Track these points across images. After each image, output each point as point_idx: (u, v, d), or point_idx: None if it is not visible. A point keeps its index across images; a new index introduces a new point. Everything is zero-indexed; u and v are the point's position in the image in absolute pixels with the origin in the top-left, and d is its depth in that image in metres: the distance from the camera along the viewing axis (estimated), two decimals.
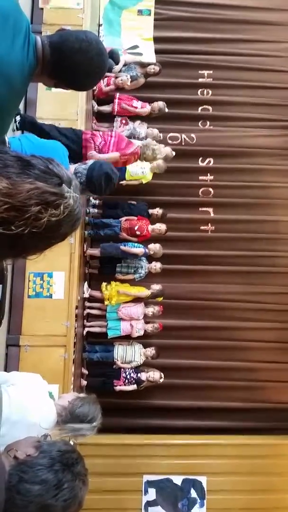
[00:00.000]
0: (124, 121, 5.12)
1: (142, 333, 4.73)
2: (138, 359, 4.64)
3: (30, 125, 3.91)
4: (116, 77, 5.07)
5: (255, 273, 5.31)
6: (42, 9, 4.54)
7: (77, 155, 3.87)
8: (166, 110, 5.13)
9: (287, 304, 5.24)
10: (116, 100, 5.03)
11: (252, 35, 5.90)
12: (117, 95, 5.08)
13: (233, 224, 5.43)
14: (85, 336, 4.79)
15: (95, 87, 4.96)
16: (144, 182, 4.94)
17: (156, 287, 4.81)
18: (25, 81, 1.40)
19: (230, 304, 5.19)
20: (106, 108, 5.19)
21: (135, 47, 5.59)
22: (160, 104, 5.06)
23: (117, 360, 4.61)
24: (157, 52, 5.60)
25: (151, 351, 4.69)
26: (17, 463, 1.06)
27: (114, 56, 4.99)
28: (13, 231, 0.93)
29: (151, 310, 4.77)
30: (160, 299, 4.93)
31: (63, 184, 1.01)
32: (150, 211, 5.01)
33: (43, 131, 3.89)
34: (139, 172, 4.86)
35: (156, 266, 4.85)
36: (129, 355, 4.65)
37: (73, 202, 1.03)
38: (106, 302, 4.76)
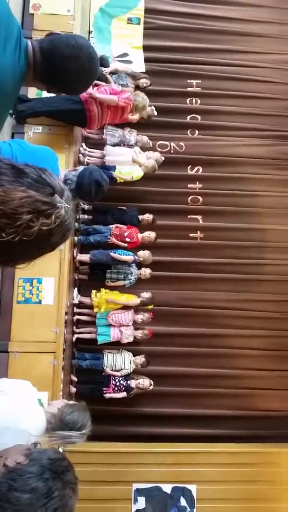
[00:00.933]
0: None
1: (131, 339, 4.71)
2: (128, 367, 4.62)
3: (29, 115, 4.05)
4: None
5: (243, 281, 5.34)
6: (32, 14, 4.56)
7: (82, 118, 4.31)
8: (155, 113, 5.17)
9: (275, 312, 5.27)
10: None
11: (240, 46, 5.99)
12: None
13: (221, 232, 5.47)
14: (75, 343, 4.76)
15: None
16: (134, 178, 4.92)
17: (145, 295, 4.81)
18: (16, 86, 1.40)
19: (218, 312, 5.20)
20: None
21: (125, 54, 5.63)
22: (149, 109, 5.10)
23: (107, 368, 4.59)
24: (146, 60, 5.65)
25: (140, 359, 4.67)
26: (6, 471, 1.05)
27: (103, 62, 5.02)
28: (4, 238, 0.93)
29: (140, 317, 4.76)
30: (150, 307, 4.93)
31: (55, 194, 1.02)
32: (141, 217, 5.03)
33: (48, 111, 4.14)
34: (128, 169, 4.87)
35: (146, 272, 4.86)
36: (118, 363, 4.62)
37: (64, 212, 1.03)
38: (96, 310, 4.74)
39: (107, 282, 4.81)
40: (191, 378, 5.00)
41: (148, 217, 5.01)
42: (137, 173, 4.91)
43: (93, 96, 4.32)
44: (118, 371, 4.59)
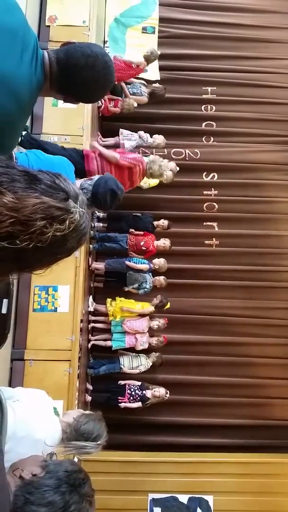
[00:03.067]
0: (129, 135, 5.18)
1: (146, 346, 4.69)
2: (144, 363, 4.61)
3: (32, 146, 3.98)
4: (124, 102, 5.15)
5: (260, 288, 5.28)
6: (48, 26, 4.62)
7: (81, 171, 3.79)
8: (159, 52, 5.25)
9: None
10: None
11: (254, 52, 5.99)
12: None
13: (237, 239, 5.43)
14: (90, 350, 4.76)
15: (101, 104, 5.03)
16: (150, 185, 4.94)
17: (156, 300, 4.76)
18: (33, 96, 1.41)
19: (235, 319, 5.15)
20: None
21: None
22: (150, 49, 5.16)
23: (124, 367, 4.56)
24: (161, 69, 5.68)
25: (154, 355, 4.66)
26: (23, 484, 1.04)
27: None
28: (18, 245, 0.93)
29: (156, 323, 4.74)
30: (168, 305, 4.87)
31: (69, 199, 1.01)
32: (156, 223, 5.02)
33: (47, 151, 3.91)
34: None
35: (160, 278, 4.83)
36: (135, 363, 4.62)
37: (79, 217, 1.02)
38: (111, 318, 4.73)
39: (125, 288, 4.78)
40: (207, 387, 4.95)
41: (163, 223, 5.00)
42: (153, 181, 4.90)
43: (95, 148, 3.99)
44: (135, 368, 4.58)
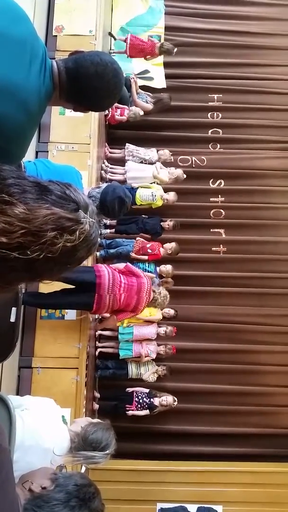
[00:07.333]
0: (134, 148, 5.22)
1: (154, 356, 4.66)
2: (152, 377, 4.59)
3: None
4: (130, 110, 5.18)
5: (268, 295, 5.26)
6: (55, 36, 4.67)
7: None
8: (175, 51, 5.36)
9: None
10: (128, 41, 5.36)
11: (259, 60, 6.02)
12: (129, 37, 5.40)
13: (245, 245, 5.42)
14: (97, 357, 4.74)
15: (108, 112, 5.06)
16: (153, 207, 5.00)
17: (170, 312, 4.74)
18: (42, 106, 1.41)
19: (243, 327, 5.11)
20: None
21: (146, 71, 5.71)
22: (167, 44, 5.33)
23: (130, 374, 4.55)
24: (167, 77, 5.72)
25: (162, 368, 4.62)
26: (32, 497, 1.03)
27: (127, 83, 5.12)
28: (29, 255, 0.93)
29: (163, 329, 4.71)
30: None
31: (80, 210, 1.01)
32: (163, 224, 5.02)
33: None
34: (149, 198, 4.91)
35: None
36: (142, 370, 4.61)
37: (89, 227, 1.02)
38: (118, 324, 4.71)
39: None
40: (216, 395, 4.91)
41: (170, 221, 4.98)
42: (156, 203, 4.95)
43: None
44: (141, 375, 4.58)
